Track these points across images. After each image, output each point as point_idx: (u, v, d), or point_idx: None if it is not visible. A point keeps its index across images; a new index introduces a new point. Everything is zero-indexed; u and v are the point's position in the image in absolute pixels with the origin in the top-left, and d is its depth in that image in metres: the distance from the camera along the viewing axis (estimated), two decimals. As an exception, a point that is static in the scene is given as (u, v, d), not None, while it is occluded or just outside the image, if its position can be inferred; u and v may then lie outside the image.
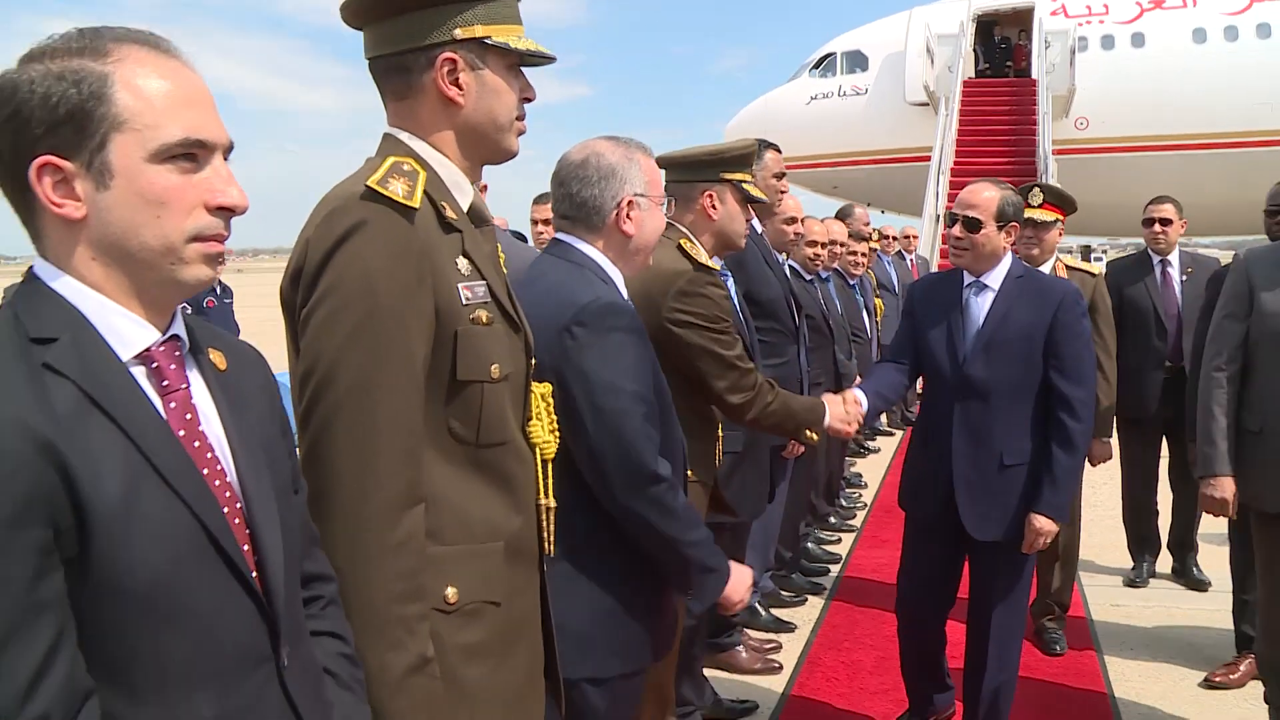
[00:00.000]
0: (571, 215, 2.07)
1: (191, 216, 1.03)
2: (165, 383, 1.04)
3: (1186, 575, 4.78)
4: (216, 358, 1.12)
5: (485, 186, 2.40)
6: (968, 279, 3.00)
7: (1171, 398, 4.34)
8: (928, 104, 17.26)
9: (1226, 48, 16.54)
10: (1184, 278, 4.59)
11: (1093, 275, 4.14)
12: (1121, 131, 16.71)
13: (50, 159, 0.98)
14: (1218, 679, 3.75)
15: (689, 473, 2.21)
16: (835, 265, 5.77)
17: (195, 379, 1.09)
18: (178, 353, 1.07)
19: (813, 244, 4.68)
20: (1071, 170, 15.43)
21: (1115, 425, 4.40)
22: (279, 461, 1.16)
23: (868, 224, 7.22)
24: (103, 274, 1.02)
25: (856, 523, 6.14)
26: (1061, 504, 2.89)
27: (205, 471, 1.03)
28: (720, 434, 2.72)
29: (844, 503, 6.35)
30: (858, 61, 18.70)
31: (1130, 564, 4.99)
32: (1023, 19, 17.99)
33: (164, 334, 1.06)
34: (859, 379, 4.94)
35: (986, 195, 2.93)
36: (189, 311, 1.15)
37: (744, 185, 2.81)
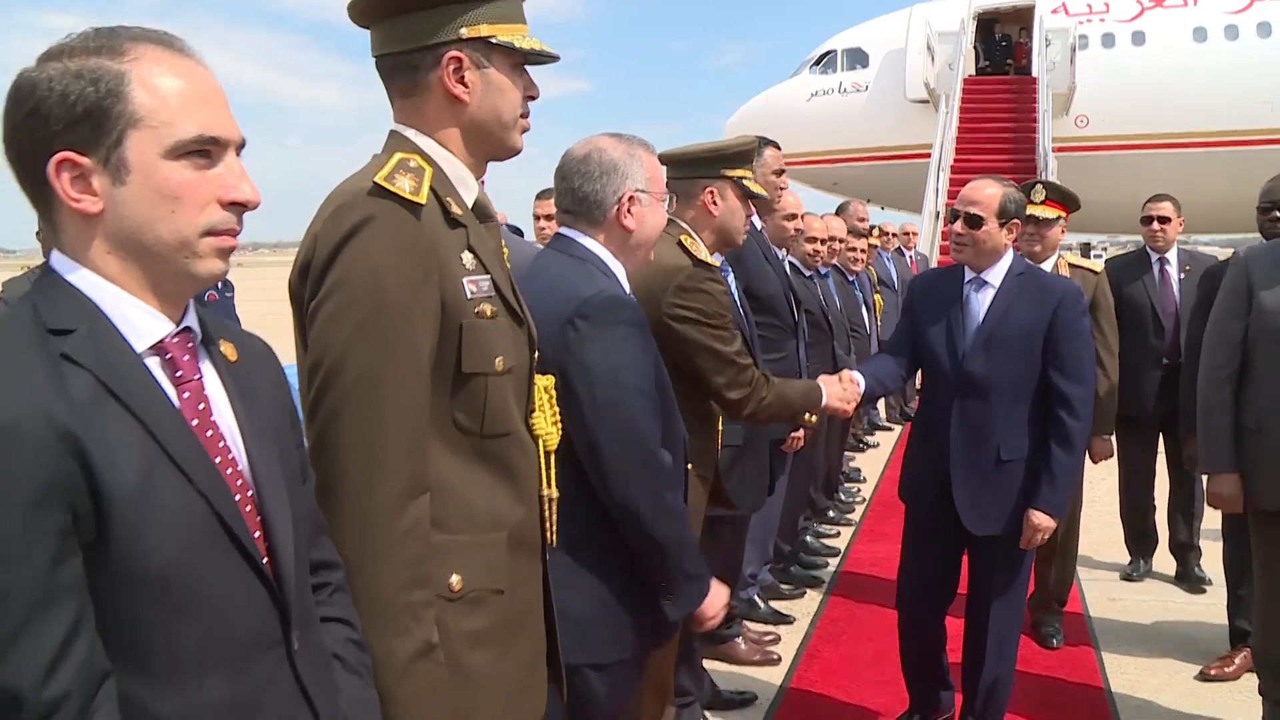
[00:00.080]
0: (574, 210, 2.10)
1: (205, 211, 1.05)
2: (179, 373, 1.07)
3: (1189, 579, 4.76)
4: (227, 349, 1.15)
5: (482, 183, 2.43)
6: (968, 275, 3.01)
7: (1169, 395, 4.36)
8: (928, 101, 17.27)
9: (1227, 46, 16.55)
10: (1182, 276, 4.59)
11: (1095, 272, 4.14)
12: (1122, 129, 16.73)
13: (69, 155, 1.00)
14: (1213, 672, 3.78)
15: (689, 466, 2.23)
16: (834, 261, 5.79)
17: (207, 370, 1.11)
18: (190, 344, 1.10)
19: (812, 240, 4.71)
20: (1071, 168, 15.45)
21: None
22: (288, 451, 1.19)
23: (862, 220, 7.20)
24: (118, 267, 1.04)
25: (855, 517, 6.17)
26: (1059, 501, 2.91)
27: (217, 460, 1.06)
28: (720, 427, 2.74)
29: (843, 497, 6.38)
30: (858, 58, 18.71)
31: (1127, 559, 5.02)
32: (1023, 16, 17.99)
33: (177, 326, 1.08)
34: (856, 368, 4.97)
35: (989, 192, 2.94)
36: None
37: (744, 182, 2.83)
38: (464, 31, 1.47)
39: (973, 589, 3.08)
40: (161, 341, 1.06)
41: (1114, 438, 4.32)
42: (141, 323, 1.05)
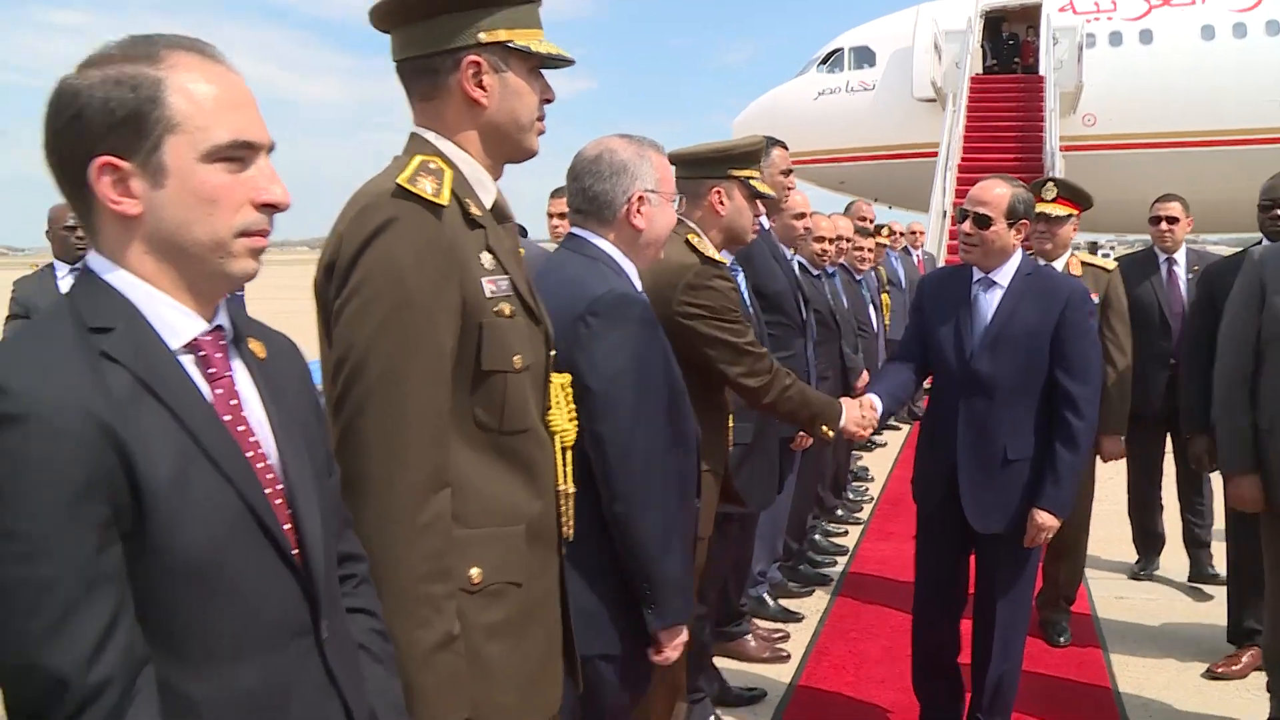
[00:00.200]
0: (585, 209, 2.13)
1: (239, 213, 1.09)
2: (211, 370, 1.10)
3: (1202, 577, 4.74)
4: (256, 347, 1.18)
5: None
6: (977, 275, 3.03)
7: (1176, 394, 4.35)
8: (935, 100, 17.25)
9: (1235, 44, 16.49)
10: (1190, 276, 4.57)
11: (1107, 271, 4.13)
12: (1129, 128, 16.68)
13: (109, 159, 1.04)
14: (1220, 670, 3.79)
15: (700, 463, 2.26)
16: (841, 260, 5.81)
17: (238, 367, 1.15)
18: (222, 342, 1.13)
19: (820, 239, 4.73)
20: (1079, 167, 15.40)
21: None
22: (315, 446, 1.22)
23: (863, 218, 7.17)
24: (155, 267, 1.08)
25: (863, 516, 6.19)
26: (1063, 500, 2.92)
27: (249, 455, 1.09)
28: (730, 424, 2.77)
29: (851, 496, 6.40)
30: (865, 57, 18.69)
31: (1135, 558, 5.03)
32: (1031, 15, 17.95)
33: (209, 324, 1.12)
34: (866, 376, 4.99)
35: (997, 192, 2.96)
36: None
37: (751, 181, 2.86)
38: (483, 36, 1.51)
39: (980, 587, 3.10)
40: (195, 339, 1.09)
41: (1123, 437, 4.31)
42: (176, 321, 1.08)
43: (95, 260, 1.08)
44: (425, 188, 1.45)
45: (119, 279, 1.07)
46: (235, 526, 1.05)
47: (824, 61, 19.24)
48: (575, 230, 2.16)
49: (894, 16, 18.93)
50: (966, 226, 2.99)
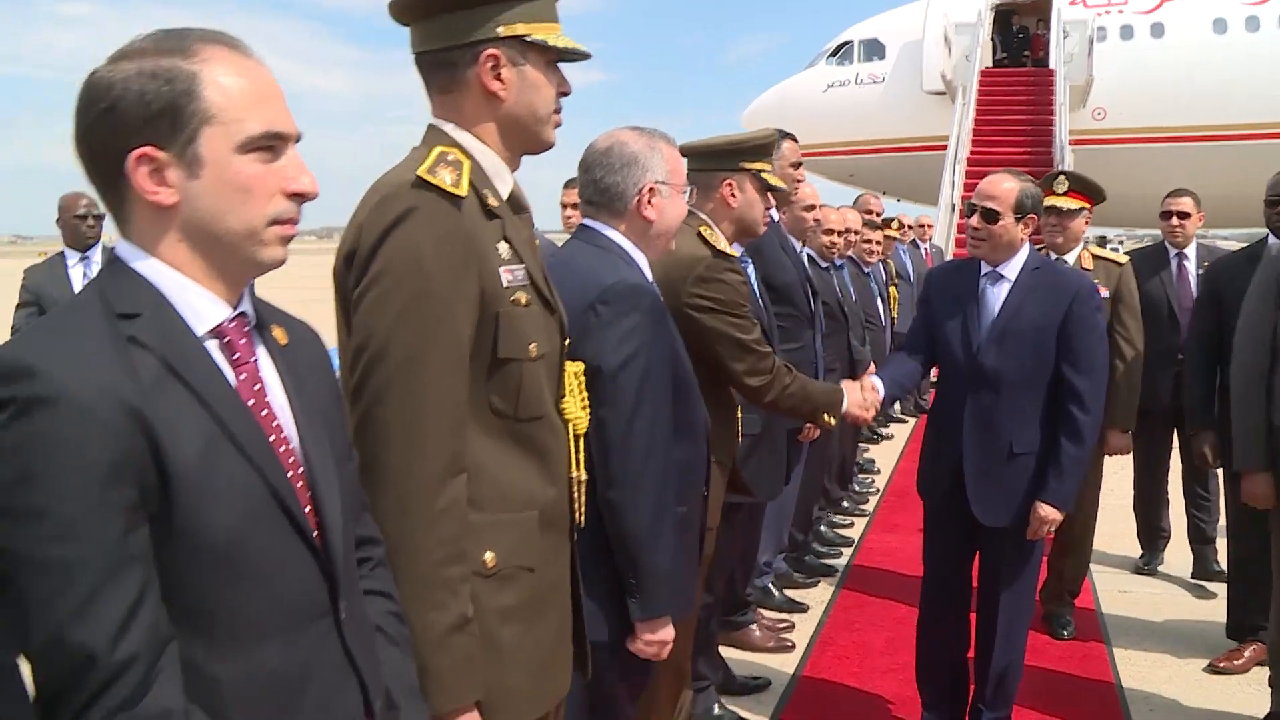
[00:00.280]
0: (596, 201, 2.15)
1: (271, 202, 1.11)
2: (236, 356, 1.13)
3: (1207, 573, 4.73)
4: (278, 333, 1.21)
5: None
6: (984, 269, 3.03)
7: (1182, 390, 4.36)
8: (945, 93, 17.21)
9: (1248, 38, 16.41)
10: (1200, 271, 4.56)
11: (1119, 265, 4.10)
12: (1140, 122, 16.62)
13: (147, 150, 1.06)
14: (1222, 665, 3.81)
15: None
16: (850, 253, 5.82)
17: (261, 353, 1.17)
18: (246, 328, 1.16)
19: (829, 232, 4.75)
20: (1088, 161, 15.35)
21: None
22: (335, 430, 1.25)
23: (869, 212, 7.14)
24: (186, 255, 1.10)
25: (869, 507, 6.22)
26: (1067, 493, 2.93)
27: (271, 439, 1.12)
28: (739, 416, 2.79)
29: (857, 488, 6.42)
30: (875, 50, 18.64)
31: (1139, 552, 5.05)
32: (1041, 8, 17.89)
33: (234, 311, 1.14)
34: (873, 368, 5.00)
35: (1006, 187, 2.96)
36: None
37: (763, 174, 2.87)
38: (501, 30, 1.53)
39: (984, 580, 3.11)
40: (220, 325, 1.12)
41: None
42: (202, 307, 1.11)
43: (123, 248, 1.11)
44: (444, 178, 1.47)
45: (147, 266, 1.09)
46: (259, 509, 1.07)
47: (833, 54, 19.20)
48: (587, 221, 2.18)
49: (904, 9, 18.88)
50: (974, 221, 2.99)
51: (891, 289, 7.02)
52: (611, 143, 2.13)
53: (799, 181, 3.94)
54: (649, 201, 2.11)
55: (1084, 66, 16.42)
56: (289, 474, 1.12)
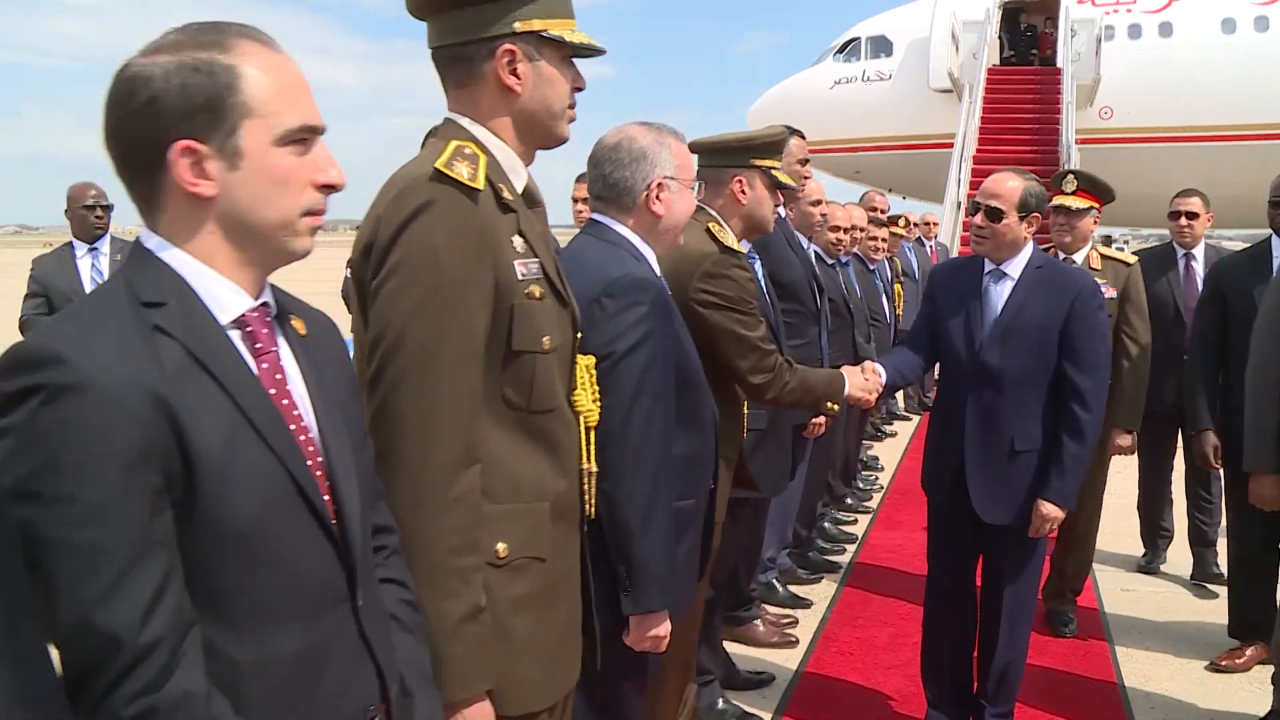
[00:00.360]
0: (605, 196, 2.17)
1: (305, 194, 1.14)
2: (258, 345, 1.14)
3: (1205, 576, 4.73)
4: (298, 324, 1.22)
5: None
6: (988, 267, 3.04)
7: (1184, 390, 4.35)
8: (951, 91, 17.16)
9: (1256, 38, 16.34)
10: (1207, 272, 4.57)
11: (1127, 265, 4.09)
12: (1146, 122, 16.56)
13: (190, 143, 1.08)
14: (1223, 663, 3.82)
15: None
16: (855, 250, 5.82)
17: (281, 343, 1.19)
18: (268, 318, 1.18)
19: (836, 229, 4.76)
20: (1094, 160, 15.28)
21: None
22: (353, 419, 1.26)
23: (874, 208, 7.13)
24: (216, 246, 1.12)
25: (873, 505, 6.24)
26: (1068, 491, 2.94)
27: (292, 427, 1.13)
28: (745, 410, 2.81)
29: (860, 485, 6.43)
30: (882, 47, 18.60)
31: (1142, 551, 5.06)
32: (1049, 6, 17.83)
33: (256, 301, 1.16)
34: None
35: (1010, 185, 2.97)
36: None
37: (773, 172, 2.89)
38: (517, 25, 1.55)
39: (986, 576, 3.13)
40: (243, 315, 1.14)
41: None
42: (225, 298, 1.12)
43: (148, 238, 1.12)
44: (462, 172, 1.49)
45: (172, 256, 1.11)
46: (279, 497, 1.09)
47: (840, 50, 19.15)
48: (596, 216, 2.20)
49: (912, 6, 18.83)
50: (978, 219, 3.00)
51: (897, 286, 7.03)
52: (620, 138, 2.15)
53: (806, 178, 3.95)
54: (657, 196, 2.12)
55: (1091, 65, 16.37)
56: (308, 462, 1.14)
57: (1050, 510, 2.92)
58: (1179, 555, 4.98)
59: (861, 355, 4.89)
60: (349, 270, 3.93)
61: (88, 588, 0.96)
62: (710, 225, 2.75)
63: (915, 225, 9.32)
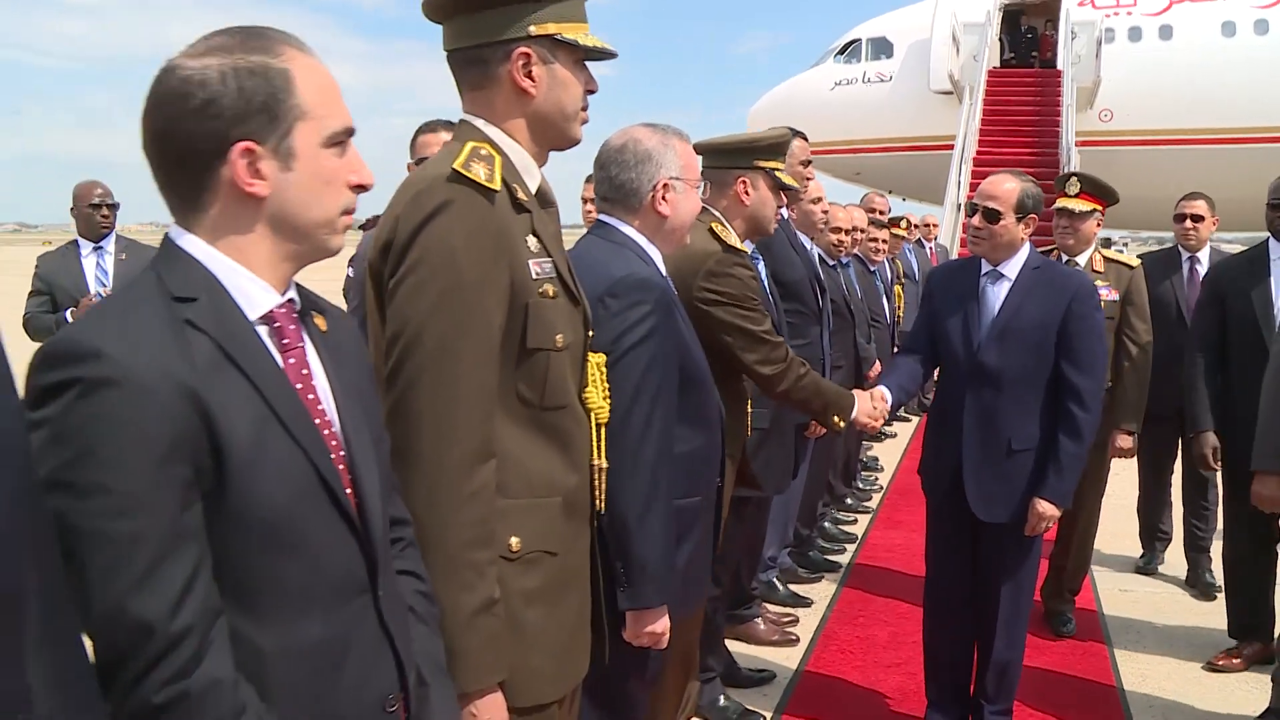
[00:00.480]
0: (611, 197, 2.19)
1: (344, 194, 1.19)
2: (285, 341, 1.18)
3: (1198, 584, 4.72)
4: (319, 320, 1.26)
5: None
6: (985, 268, 3.06)
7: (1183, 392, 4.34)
8: (952, 92, 17.18)
9: (1256, 41, 16.35)
10: None
11: (1130, 267, 4.07)
12: (1147, 124, 16.58)
13: (249, 144, 1.11)
14: (1220, 663, 3.84)
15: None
16: (855, 251, 5.85)
17: (305, 339, 1.22)
18: (294, 315, 1.21)
19: (837, 230, 4.79)
20: (1095, 162, 15.29)
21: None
22: (372, 414, 1.30)
23: (873, 209, 7.13)
24: (257, 243, 1.15)
25: (873, 505, 6.26)
26: (1065, 490, 2.97)
27: (316, 421, 1.16)
28: (749, 409, 2.84)
29: (861, 485, 6.46)
30: (883, 48, 18.62)
31: (1141, 552, 5.08)
32: (1050, 9, 17.85)
33: (283, 298, 1.19)
34: (878, 366, 5.05)
35: (1007, 187, 2.99)
36: None
37: (776, 173, 2.92)
38: (532, 29, 1.58)
39: (984, 576, 3.14)
40: (271, 311, 1.17)
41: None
42: (255, 294, 1.15)
43: (178, 235, 1.15)
44: (479, 173, 1.52)
45: (203, 253, 1.14)
46: (305, 489, 1.12)
47: (841, 52, 19.17)
48: (602, 217, 2.23)
49: (912, 8, 18.85)
50: (976, 220, 3.02)
51: (897, 288, 7.05)
52: (626, 140, 2.18)
53: (809, 180, 3.98)
54: (663, 197, 2.15)
55: (1092, 68, 16.39)
56: (332, 455, 1.17)
57: (1046, 509, 2.95)
58: (1177, 557, 5.00)
59: (862, 355, 4.93)
60: (349, 268, 3.96)
61: (120, 577, 0.99)
62: (713, 225, 2.78)
63: (915, 227, 9.35)
